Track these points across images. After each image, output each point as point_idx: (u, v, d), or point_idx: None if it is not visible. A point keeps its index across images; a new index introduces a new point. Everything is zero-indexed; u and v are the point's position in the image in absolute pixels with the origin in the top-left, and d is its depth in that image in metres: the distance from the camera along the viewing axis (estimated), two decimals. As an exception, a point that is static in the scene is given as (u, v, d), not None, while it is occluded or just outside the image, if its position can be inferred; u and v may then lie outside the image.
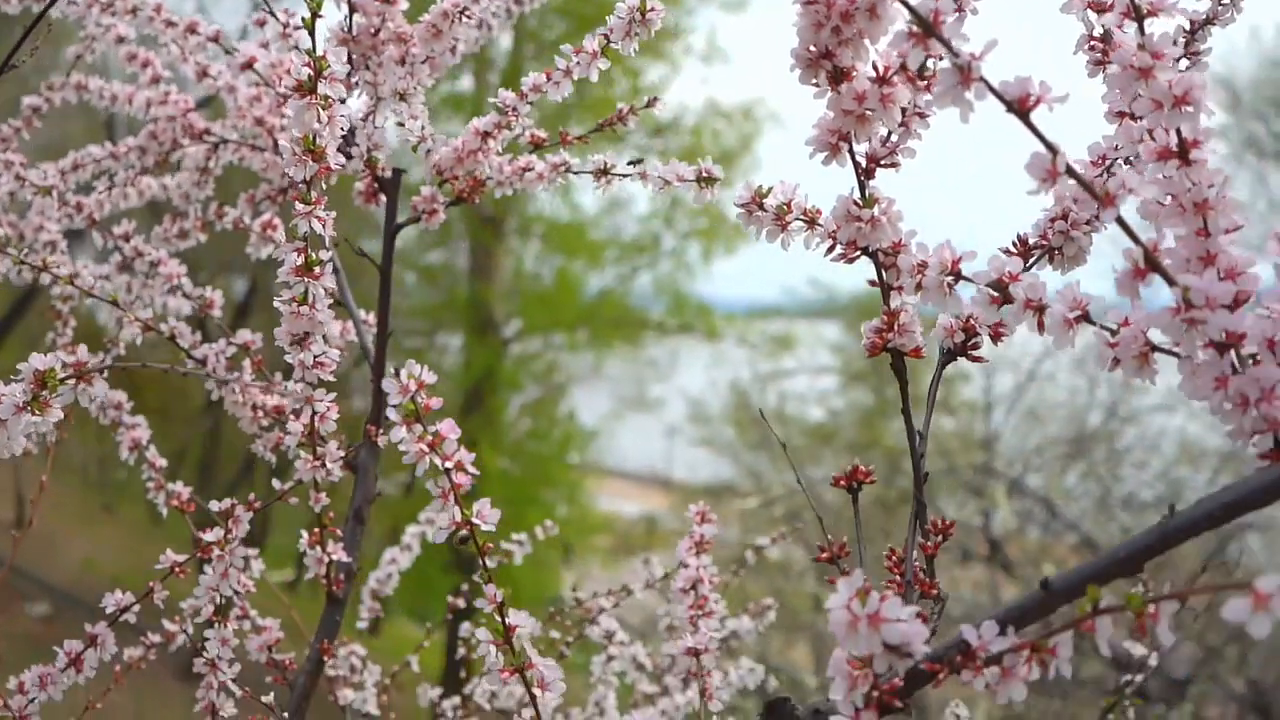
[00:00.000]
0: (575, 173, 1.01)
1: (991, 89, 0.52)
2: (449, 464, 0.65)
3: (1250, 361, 0.54)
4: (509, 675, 0.67)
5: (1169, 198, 0.56)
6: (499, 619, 0.67)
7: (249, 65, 1.07)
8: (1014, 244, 0.72)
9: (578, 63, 0.93)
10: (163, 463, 1.13)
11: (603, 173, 0.99)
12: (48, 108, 1.36)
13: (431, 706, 1.43)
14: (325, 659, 1.03)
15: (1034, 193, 0.53)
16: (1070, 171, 0.52)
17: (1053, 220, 0.71)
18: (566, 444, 11.82)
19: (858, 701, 0.56)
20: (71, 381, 0.69)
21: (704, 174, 0.85)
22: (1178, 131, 0.56)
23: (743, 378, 11.05)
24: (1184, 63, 0.76)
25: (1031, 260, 0.72)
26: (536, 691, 0.67)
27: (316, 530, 1.00)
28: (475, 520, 0.66)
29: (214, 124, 1.23)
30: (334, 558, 1.01)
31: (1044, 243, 0.71)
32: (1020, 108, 0.53)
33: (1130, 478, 7.23)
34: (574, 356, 12.55)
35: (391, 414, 0.64)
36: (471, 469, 0.65)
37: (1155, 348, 0.57)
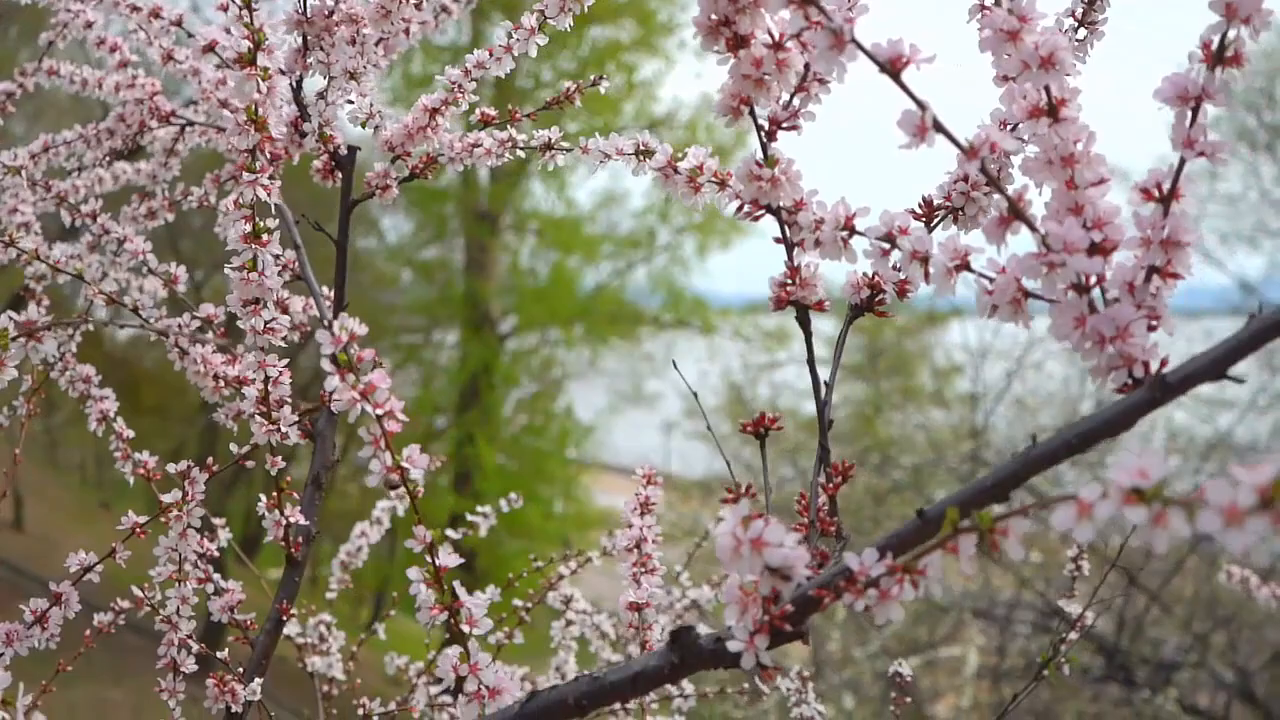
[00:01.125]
0: (521, 148, 1.05)
1: (864, 50, 0.56)
2: (380, 411, 0.69)
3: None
4: (437, 612, 0.71)
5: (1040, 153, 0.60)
6: (429, 559, 0.71)
7: (210, 48, 1.11)
8: (919, 205, 0.76)
9: (517, 39, 0.97)
10: (130, 433, 1.17)
11: (547, 147, 1.03)
12: (21, 93, 1.40)
13: (398, 672, 1.48)
14: (284, 618, 1.07)
15: (905, 147, 0.57)
16: (938, 126, 0.56)
17: (955, 182, 0.75)
18: (563, 439, 11.86)
19: (750, 625, 0.60)
20: (22, 340, 0.73)
21: (641, 147, 0.89)
22: (1046, 90, 0.60)
23: (735, 370, 11.07)
24: (1082, 31, 0.80)
25: (936, 220, 0.76)
26: (465, 628, 0.71)
27: (275, 495, 1.04)
28: (405, 465, 0.70)
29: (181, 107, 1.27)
30: (292, 521, 1.05)
31: (947, 203, 0.75)
32: (892, 68, 0.57)
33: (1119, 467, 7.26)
34: (570, 352, 12.59)
35: (325, 364, 0.68)
36: (402, 416, 0.69)
37: (1028, 293, 0.61)
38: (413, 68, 9.02)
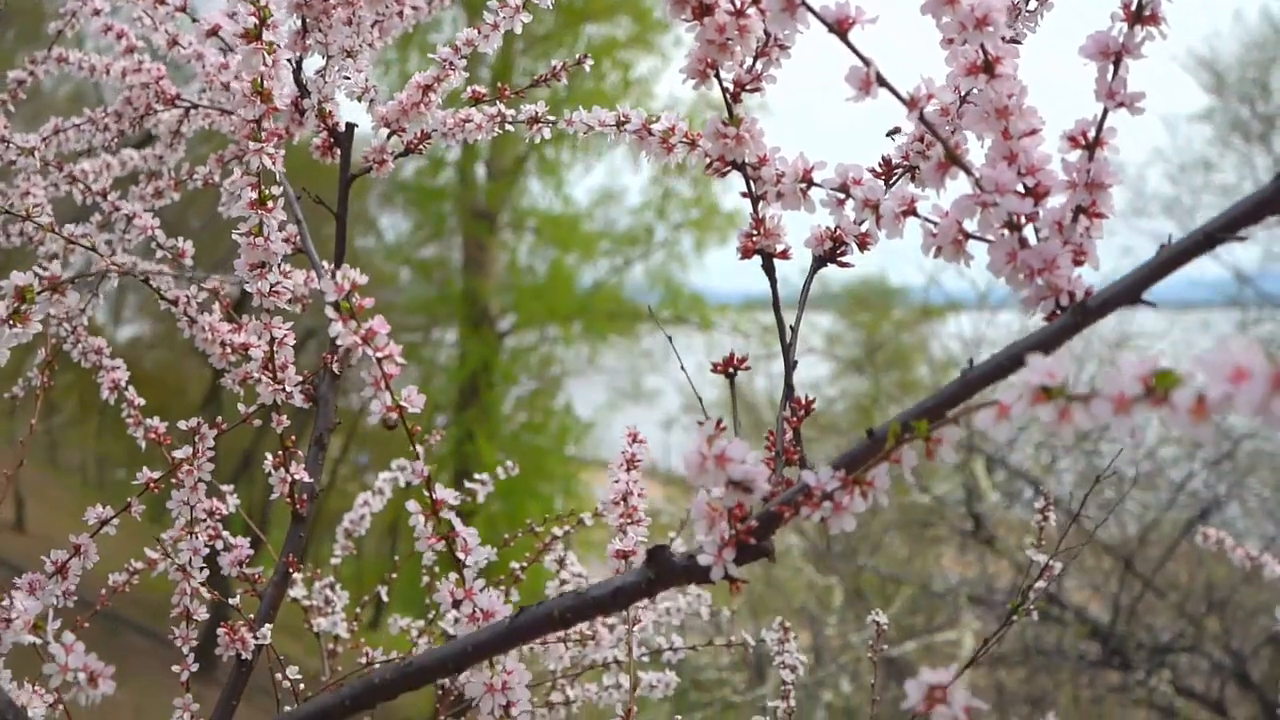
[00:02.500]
0: (511, 122, 1.11)
1: (813, 12, 0.62)
2: (380, 354, 0.75)
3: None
4: (435, 541, 0.77)
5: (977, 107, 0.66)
6: (426, 493, 0.77)
7: (214, 32, 1.16)
8: (879, 163, 0.82)
9: (504, 16, 1.03)
10: (141, 401, 1.22)
11: (534, 120, 1.09)
12: (31, 81, 1.46)
13: (401, 633, 1.53)
14: (291, 571, 1.12)
15: (851, 100, 0.63)
16: (880, 80, 0.62)
17: (911, 142, 0.81)
18: (563, 436, 11.91)
19: (718, 540, 0.66)
20: (47, 294, 0.79)
21: (620, 118, 0.95)
22: (982, 48, 0.65)
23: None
24: (1032, 3, 0.86)
25: (895, 177, 0.81)
26: (461, 555, 0.77)
27: (280, 453, 1.10)
28: (404, 404, 0.76)
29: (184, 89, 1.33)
30: (297, 478, 1.11)
31: (905, 162, 0.81)
32: (840, 28, 0.62)
33: (1112, 454, 7.33)
34: (569, 349, 12.64)
35: (329, 310, 0.74)
36: (400, 359, 0.75)
37: (968, 234, 0.67)
38: (409, 67, 9.09)
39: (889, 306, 11.87)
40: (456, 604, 0.76)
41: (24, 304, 0.78)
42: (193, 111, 1.32)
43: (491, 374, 11.71)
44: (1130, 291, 0.58)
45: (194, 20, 1.21)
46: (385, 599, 1.53)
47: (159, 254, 1.23)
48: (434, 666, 0.71)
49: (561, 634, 1.30)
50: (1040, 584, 1.18)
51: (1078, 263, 0.63)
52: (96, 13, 1.31)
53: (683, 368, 1.07)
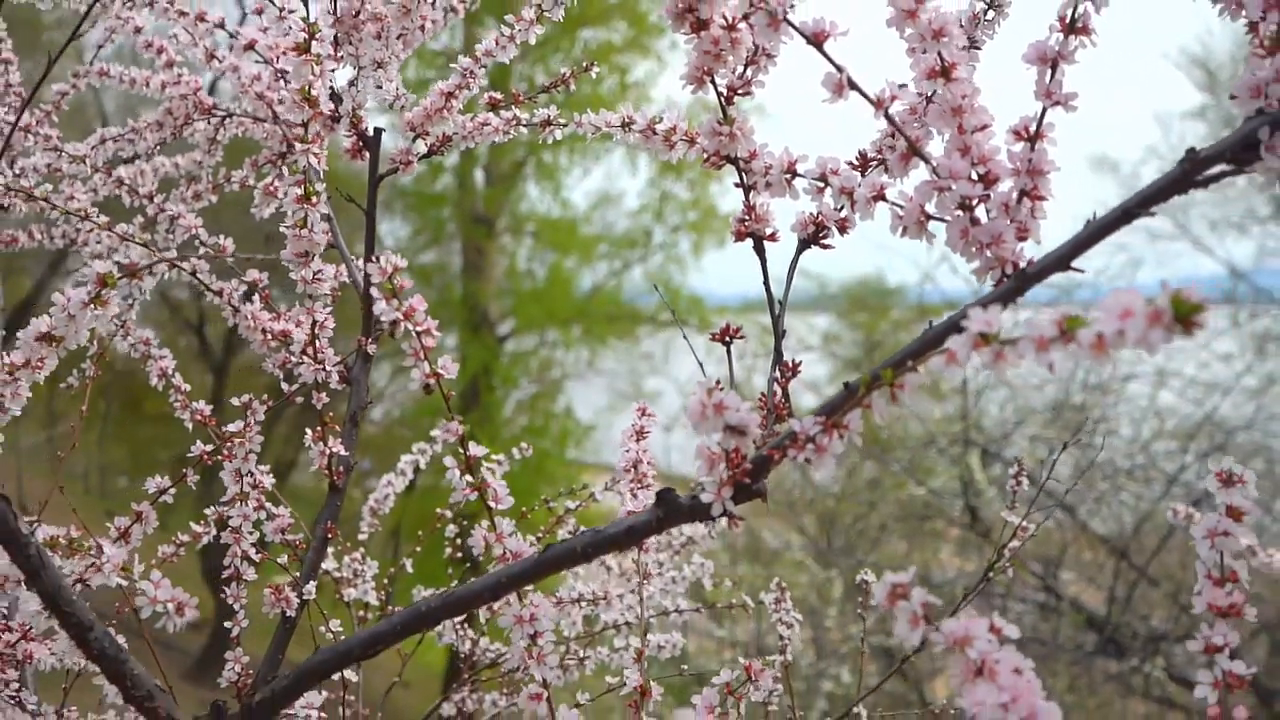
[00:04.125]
0: (525, 125, 1.22)
1: (794, 27, 0.73)
2: (420, 329, 0.86)
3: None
4: (469, 491, 0.88)
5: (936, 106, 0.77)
6: (461, 450, 0.88)
7: (251, 46, 1.27)
8: (856, 157, 0.93)
9: (519, 29, 1.14)
10: (187, 386, 1.33)
11: (546, 123, 1.20)
12: (74, 92, 1.57)
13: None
14: (329, 536, 1.23)
15: (827, 101, 0.74)
16: (852, 85, 0.73)
17: (884, 138, 0.91)
18: (564, 439, 12.00)
19: (717, 480, 0.76)
20: (126, 279, 0.90)
21: (626, 120, 1.05)
22: (939, 56, 0.76)
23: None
24: (990, 13, 0.97)
25: (870, 169, 0.92)
26: (491, 503, 0.88)
27: (319, 428, 1.21)
28: (440, 371, 0.87)
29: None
30: (334, 451, 1.22)
31: (878, 155, 0.92)
32: (817, 40, 0.73)
33: (1107, 447, 7.44)
34: (568, 352, 12.74)
35: (375, 291, 0.85)
36: (436, 333, 0.86)
37: (929, 216, 0.78)
38: (408, 73, 9.21)
39: (887, 307, 11.98)
40: (488, 548, 0.87)
41: (105, 289, 0.89)
42: (228, 120, 1.43)
43: (492, 378, 11.81)
44: (1062, 261, 0.69)
45: (232, 37, 1.32)
46: (410, 569, 1.64)
47: (200, 250, 1.34)
48: (472, 596, 0.82)
49: (576, 596, 1.41)
50: (1014, 544, 1.29)
51: (1021, 238, 0.74)
52: (138, 30, 1.42)
53: (698, 360, 1.17)
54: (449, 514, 1.62)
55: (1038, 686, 0.58)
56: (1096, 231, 0.68)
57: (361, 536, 1.66)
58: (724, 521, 0.79)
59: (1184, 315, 0.49)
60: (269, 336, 1.24)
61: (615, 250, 12.72)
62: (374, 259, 0.84)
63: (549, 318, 12.16)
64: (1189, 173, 0.66)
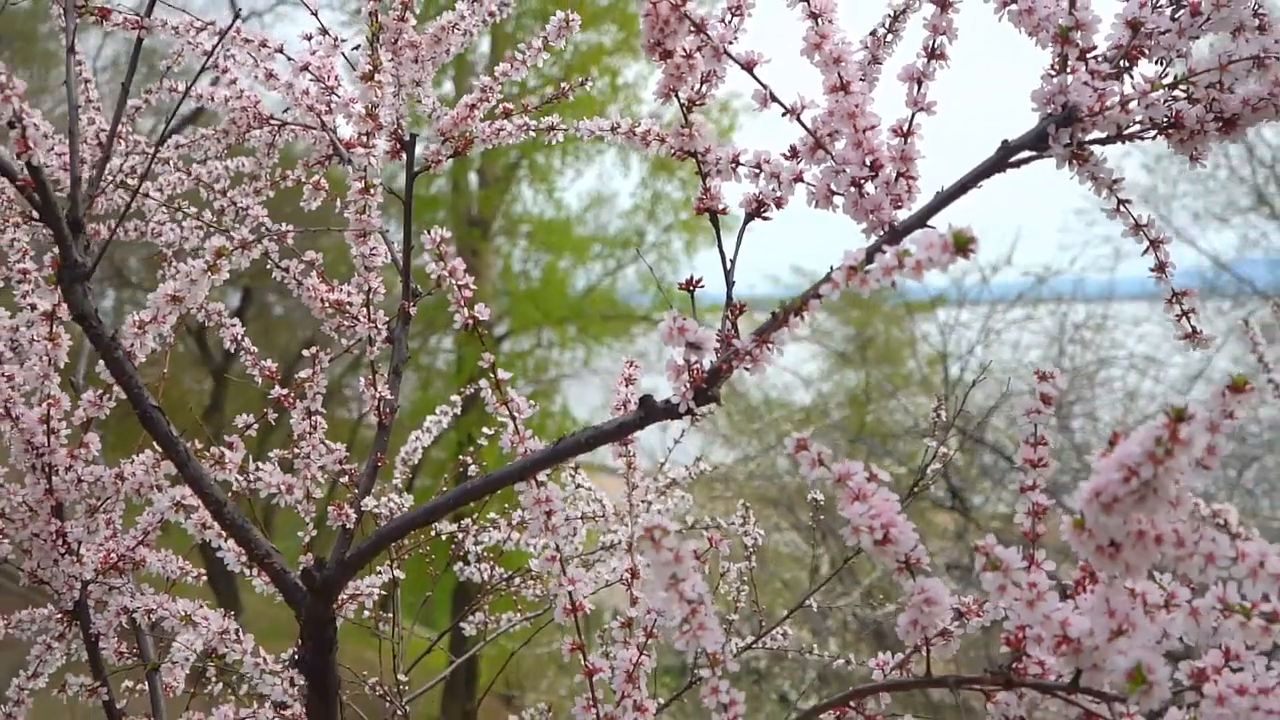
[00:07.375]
0: (535, 130, 1.51)
1: (731, 57, 1.02)
2: (460, 283, 1.15)
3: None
4: (499, 405, 1.17)
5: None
6: (493, 375, 1.17)
7: (305, 68, 1.56)
8: (788, 148, 1.22)
9: (531, 54, 1.43)
10: (255, 350, 1.62)
11: (551, 128, 1.49)
12: (145, 107, 1.86)
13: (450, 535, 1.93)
14: (379, 465, 1.52)
15: (756, 110, 1.03)
16: (772, 97, 1.02)
17: (805, 135, 1.20)
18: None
19: (683, 386, 1.05)
20: (239, 250, 1.19)
21: (615, 125, 1.35)
22: (839, 75, 1.06)
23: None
24: (890, 36, 1.26)
25: (796, 159, 1.21)
26: (516, 414, 1.17)
27: (370, 376, 1.50)
28: (476, 314, 1.16)
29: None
30: (383, 395, 1.51)
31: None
32: (748, 66, 1.03)
33: (1088, 432, 7.75)
34: (564, 352, 13.01)
35: (426, 255, 1.14)
36: (472, 286, 1.15)
37: (833, 191, 1.07)
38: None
39: (877, 303, 12.25)
40: (514, 447, 1.16)
41: (220, 259, 1.18)
42: (283, 128, 1.72)
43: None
44: (919, 220, 0.99)
45: (289, 59, 1.61)
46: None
47: (266, 234, 1.63)
48: (504, 477, 1.11)
49: (580, 513, 1.70)
50: (935, 466, 1.58)
51: (896, 206, 1.03)
52: (207, 54, 1.71)
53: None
54: (469, 460, 1.91)
55: (897, 506, 0.88)
56: (938, 203, 0.98)
57: (395, 481, 1.95)
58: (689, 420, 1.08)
59: (961, 245, 0.78)
60: (325, 305, 1.53)
61: (609, 250, 12.97)
62: (427, 231, 1.13)
63: (544, 318, 12.41)
64: (1003, 157, 0.96)
